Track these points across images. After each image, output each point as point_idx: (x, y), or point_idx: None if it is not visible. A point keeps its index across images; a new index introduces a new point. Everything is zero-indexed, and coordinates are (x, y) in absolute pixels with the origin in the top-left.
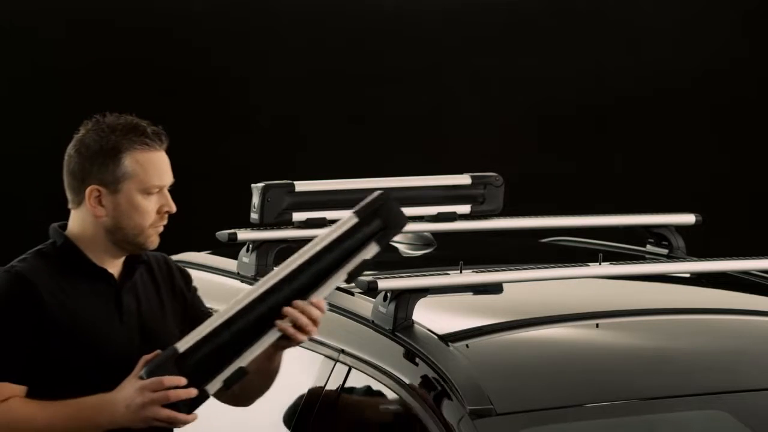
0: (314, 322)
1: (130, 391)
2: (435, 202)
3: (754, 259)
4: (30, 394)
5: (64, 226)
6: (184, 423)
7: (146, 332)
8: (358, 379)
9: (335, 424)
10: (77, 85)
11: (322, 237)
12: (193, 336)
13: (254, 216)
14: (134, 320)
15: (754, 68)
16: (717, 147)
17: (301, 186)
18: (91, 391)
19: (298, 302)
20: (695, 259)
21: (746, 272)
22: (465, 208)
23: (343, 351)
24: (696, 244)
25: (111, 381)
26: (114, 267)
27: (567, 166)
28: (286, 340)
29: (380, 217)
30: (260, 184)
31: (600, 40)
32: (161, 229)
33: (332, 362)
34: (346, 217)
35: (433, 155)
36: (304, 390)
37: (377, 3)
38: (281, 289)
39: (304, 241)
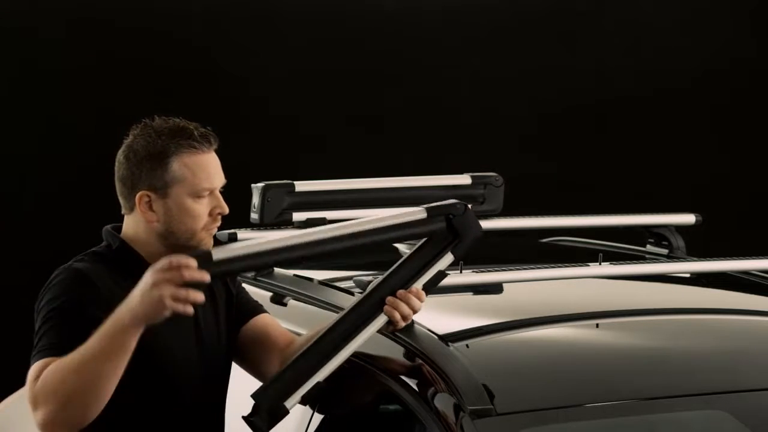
0: (414, 311)
1: (143, 278)
2: (435, 202)
3: (754, 259)
4: None
5: (117, 229)
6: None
7: (202, 335)
8: (358, 379)
9: (335, 425)
10: (77, 85)
11: (382, 219)
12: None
13: (254, 216)
14: (191, 323)
15: (755, 68)
16: (717, 147)
17: (301, 186)
18: (147, 395)
19: (402, 292)
20: (695, 259)
21: (746, 272)
22: None
23: None
24: (696, 244)
25: (168, 384)
26: None
27: (567, 166)
28: (387, 325)
29: (451, 225)
30: (260, 184)
31: (600, 40)
32: (214, 231)
33: None
34: (415, 209)
35: (433, 155)
36: None
37: (377, 3)
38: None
39: None
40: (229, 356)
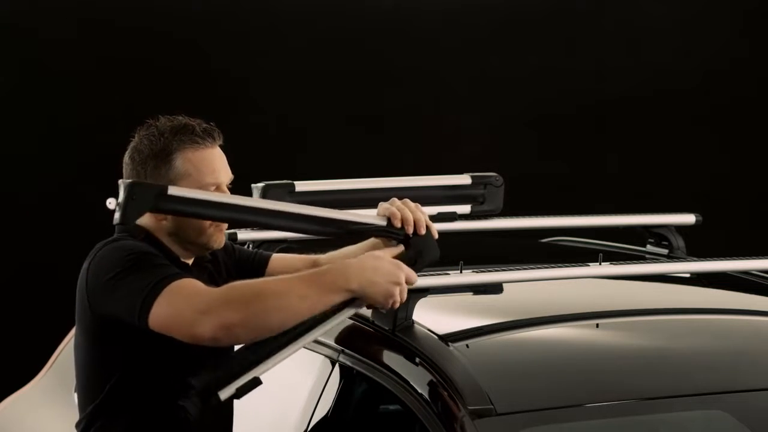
0: (416, 220)
1: (389, 265)
2: (435, 202)
3: (754, 259)
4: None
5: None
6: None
7: None
8: (358, 379)
9: (335, 425)
10: (77, 85)
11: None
12: None
13: None
14: None
15: (755, 68)
16: (717, 147)
17: (301, 186)
18: (156, 382)
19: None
20: (695, 259)
21: (746, 272)
22: (465, 208)
23: (343, 351)
24: (696, 244)
25: (173, 370)
26: (189, 262)
27: (567, 166)
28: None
29: (409, 243)
30: (260, 184)
31: (600, 40)
32: (225, 227)
33: (332, 362)
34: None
35: (433, 155)
36: (304, 390)
37: (377, 3)
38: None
39: (304, 242)
40: None
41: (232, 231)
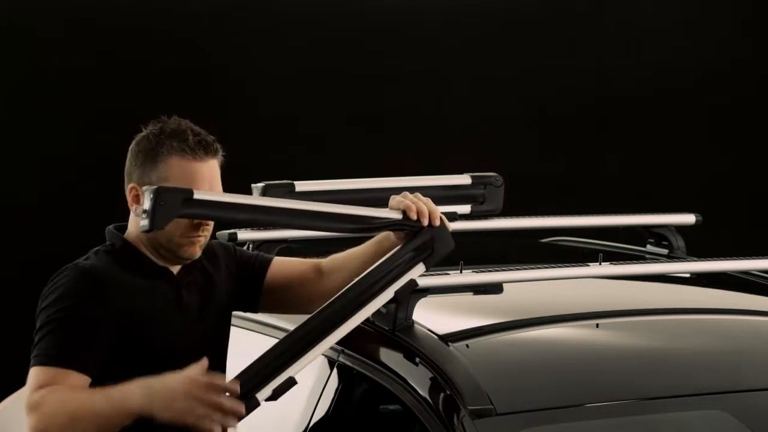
0: (431, 212)
1: (177, 379)
2: (435, 202)
3: (754, 259)
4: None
5: (120, 228)
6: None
7: (204, 329)
8: (358, 379)
9: (335, 425)
10: (77, 85)
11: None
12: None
13: None
14: (193, 316)
15: (755, 68)
16: (717, 147)
17: (301, 186)
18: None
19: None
20: (695, 259)
21: (746, 272)
22: (465, 208)
23: (343, 351)
24: (696, 244)
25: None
26: (174, 267)
27: (567, 166)
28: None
29: (428, 236)
30: (260, 184)
31: (600, 40)
32: (200, 240)
33: (332, 362)
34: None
35: (433, 155)
36: (305, 390)
37: (377, 3)
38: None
39: (303, 241)
40: (221, 339)
41: (232, 231)
